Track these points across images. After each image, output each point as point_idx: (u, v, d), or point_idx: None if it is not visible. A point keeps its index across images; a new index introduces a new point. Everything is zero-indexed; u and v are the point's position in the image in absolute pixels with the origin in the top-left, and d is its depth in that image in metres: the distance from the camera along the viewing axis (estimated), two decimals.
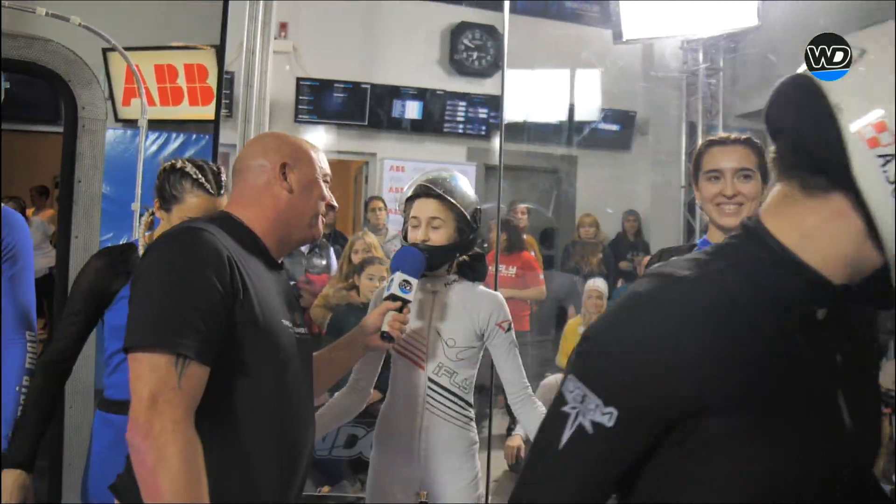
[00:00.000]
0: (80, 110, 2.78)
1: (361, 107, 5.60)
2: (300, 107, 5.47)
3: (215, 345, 1.18)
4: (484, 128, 5.83)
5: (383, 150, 5.86)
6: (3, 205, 1.83)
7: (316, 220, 1.46)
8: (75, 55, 2.80)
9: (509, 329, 1.89)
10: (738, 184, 1.68)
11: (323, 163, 1.49)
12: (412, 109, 5.69)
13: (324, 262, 4.59)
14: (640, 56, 5.72)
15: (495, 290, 4.27)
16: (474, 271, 1.94)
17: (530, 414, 1.89)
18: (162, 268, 1.20)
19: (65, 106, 2.84)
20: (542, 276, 4.73)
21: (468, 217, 1.85)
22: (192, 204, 1.78)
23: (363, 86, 5.56)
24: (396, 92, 5.65)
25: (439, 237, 1.83)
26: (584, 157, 6.13)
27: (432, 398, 1.85)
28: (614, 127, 6.00)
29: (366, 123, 5.66)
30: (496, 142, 5.85)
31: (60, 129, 3.05)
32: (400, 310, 1.69)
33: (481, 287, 1.95)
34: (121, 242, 1.98)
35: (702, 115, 5.54)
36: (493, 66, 5.75)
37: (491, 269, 4.36)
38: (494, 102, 5.72)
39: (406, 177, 5.87)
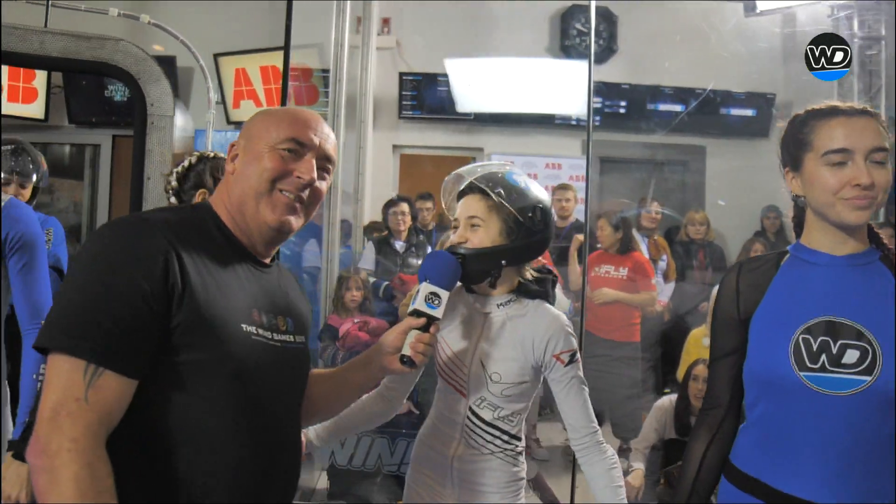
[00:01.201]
0: (149, 107, 2.79)
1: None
2: (404, 103, 5.34)
3: (142, 353, 1.01)
4: (598, 118, 5.39)
5: (491, 145, 5.59)
6: (10, 197, 1.78)
7: (263, 199, 1.16)
8: (145, 53, 2.81)
9: (572, 361, 1.52)
10: (872, 170, 1.24)
11: (286, 129, 1.18)
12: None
13: (420, 262, 4.40)
14: (779, 28, 5.01)
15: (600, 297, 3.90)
16: (538, 287, 1.58)
17: (596, 466, 1.52)
18: (85, 262, 1.05)
19: (136, 103, 2.85)
20: (653, 281, 4.23)
21: (520, 218, 1.51)
22: None
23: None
24: None
25: (478, 239, 1.51)
26: (714, 146, 5.49)
27: (471, 429, 1.56)
28: (749, 111, 5.32)
29: (472, 117, 5.41)
30: (614, 132, 5.41)
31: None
32: (426, 328, 1.37)
33: (544, 306, 1.58)
34: None
35: (857, 94, 4.75)
36: (608, 51, 5.30)
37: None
38: (610, 90, 5.27)
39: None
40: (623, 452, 4.04)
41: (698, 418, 1.47)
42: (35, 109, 5.24)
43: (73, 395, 0.95)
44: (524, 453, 1.61)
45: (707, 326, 4.26)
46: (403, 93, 5.32)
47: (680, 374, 4.24)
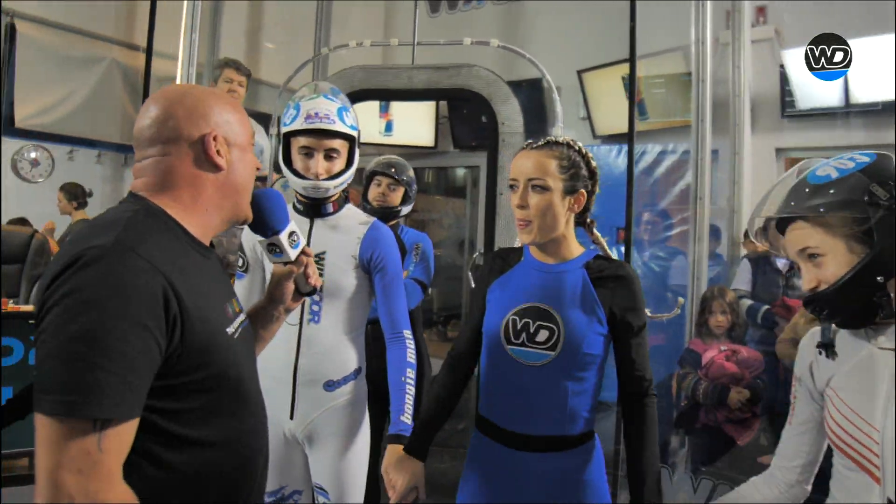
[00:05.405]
0: (500, 126, 2.93)
1: None
2: (787, 99, 4.65)
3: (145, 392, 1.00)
4: None
5: None
6: (375, 220, 2.00)
7: (249, 195, 1.24)
8: (495, 75, 2.96)
9: None
10: None
11: (247, 125, 1.23)
12: None
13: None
14: None
15: None
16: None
17: None
18: (78, 310, 0.92)
19: (488, 122, 3.01)
20: None
21: (867, 208, 1.10)
22: None
23: None
24: None
25: (829, 273, 1.14)
26: None
27: None
28: None
29: (879, 107, 4.45)
30: None
31: None
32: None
33: None
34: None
35: None
36: None
37: None
38: None
39: None
40: None
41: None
42: (427, 138, 5.99)
43: (85, 450, 0.90)
44: None
45: None
46: (786, 87, 4.65)
47: None
